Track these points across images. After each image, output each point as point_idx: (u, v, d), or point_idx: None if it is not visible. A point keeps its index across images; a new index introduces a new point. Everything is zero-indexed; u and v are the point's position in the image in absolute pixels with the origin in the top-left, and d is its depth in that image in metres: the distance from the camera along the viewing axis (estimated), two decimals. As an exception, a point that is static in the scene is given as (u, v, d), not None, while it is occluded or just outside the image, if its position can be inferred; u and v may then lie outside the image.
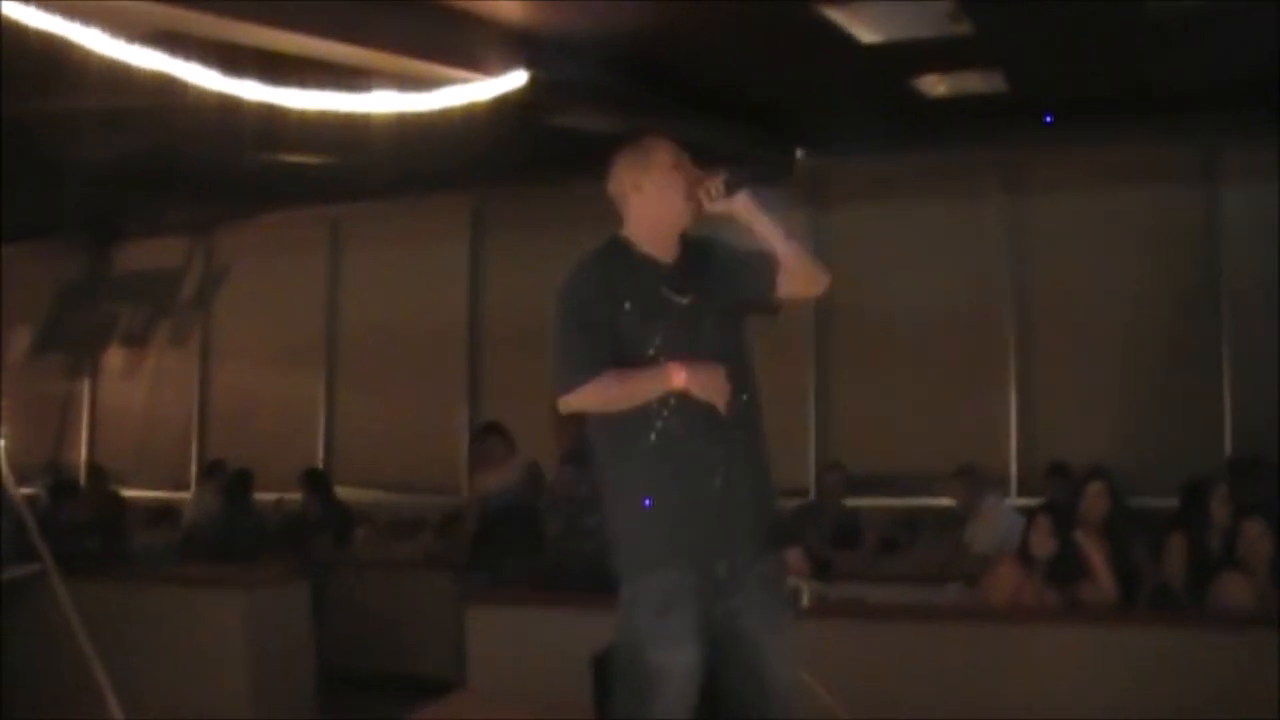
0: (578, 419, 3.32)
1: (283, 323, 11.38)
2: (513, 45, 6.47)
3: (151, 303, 11.95)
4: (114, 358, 12.21)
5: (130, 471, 10.96)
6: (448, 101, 6.41)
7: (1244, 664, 4.79)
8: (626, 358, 3.07)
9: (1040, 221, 9.03)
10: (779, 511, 3.40)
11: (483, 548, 7.62)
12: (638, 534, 3.11)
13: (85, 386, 12.23)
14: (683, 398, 3.04)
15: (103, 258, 12.20)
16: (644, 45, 6.86)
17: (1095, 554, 5.61)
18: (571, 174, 8.87)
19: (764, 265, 3.20)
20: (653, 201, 3.18)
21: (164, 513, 10.14)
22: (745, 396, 3.15)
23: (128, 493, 10.00)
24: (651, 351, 3.07)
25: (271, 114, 6.16)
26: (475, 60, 6.33)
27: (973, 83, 7.61)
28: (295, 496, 9.33)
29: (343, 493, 9.65)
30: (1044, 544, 5.55)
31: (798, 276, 3.22)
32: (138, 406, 11.93)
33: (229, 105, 5.94)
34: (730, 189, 3.13)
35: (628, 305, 3.08)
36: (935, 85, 7.67)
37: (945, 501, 8.05)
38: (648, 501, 3.08)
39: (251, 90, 5.81)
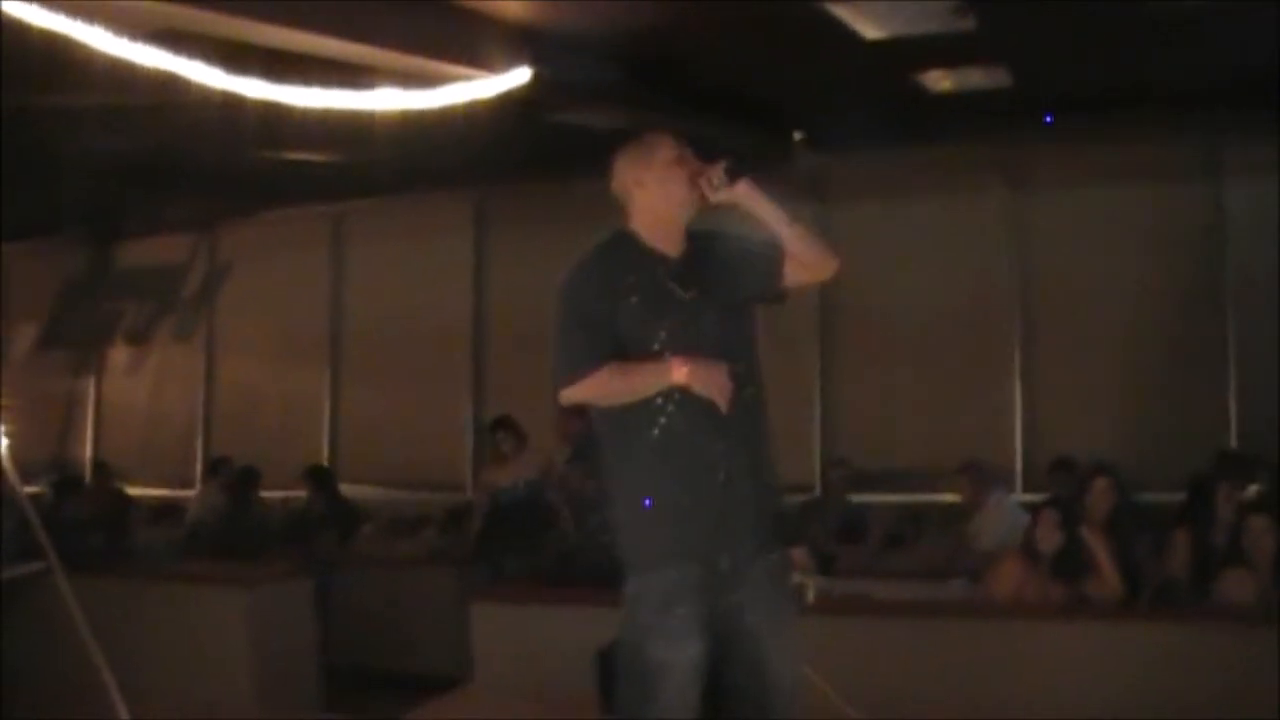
0: (581, 415, 3.32)
1: (287, 319, 11.38)
2: (516, 42, 6.47)
3: (155, 299, 11.94)
4: (118, 354, 12.21)
5: (134, 468, 10.97)
6: (451, 99, 6.41)
7: (1248, 660, 4.78)
8: (632, 352, 3.06)
9: (1044, 218, 9.02)
10: (784, 507, 3.39)
11: (487, 543, 7.64)
12: (641, 529, 3.11)
13: (90, 383, 12.24)
14: (686, 392, 3.03)
15: (107, 254, 12.20)
16: (647, 42, 6.85)
17: (1100, 549, 5.60)
18: (575, 170, 8.90)
19: (770, 255, 3.18)
20: (656, 196, 3.17)
21: (168, 510, 10.16)
22: (751, 390, 3.14)
23: (132, 490, 10.02)
24: (657, 346, 3.06)
25: (275, 111, 6.16)
26: (478, 57, 6.33)
27: (976, 79, 7.60)
28: (300, 495, 9.33)
29: (347, 489, 9.64)
30: (1050, 538, 5.55)
31: (806, 262, 3.19)
32: (142, 403, 11.94)
33: (233, 102, 5.94)
34: (732, 177, 3.13)
35: (633, 299, 3.07)
36: (939, 81, 7.66)
37: (950, 497, 8.05)
38: (650, 498, 3.07)
39: (255, 88, 5.81)
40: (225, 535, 8.73)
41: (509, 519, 7.54)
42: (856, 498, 8.53)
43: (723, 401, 3.02)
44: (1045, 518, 5.60)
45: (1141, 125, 8.19)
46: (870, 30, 6.58)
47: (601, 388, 3.07)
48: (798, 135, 9.03)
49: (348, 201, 10.75)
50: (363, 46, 5.75)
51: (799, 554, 5.52)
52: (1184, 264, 8.65)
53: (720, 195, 3.14)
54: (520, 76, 6.49)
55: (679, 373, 3.01)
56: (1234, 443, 8.24)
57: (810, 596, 5.41)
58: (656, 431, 3.06)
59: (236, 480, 9.36)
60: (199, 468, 11.23)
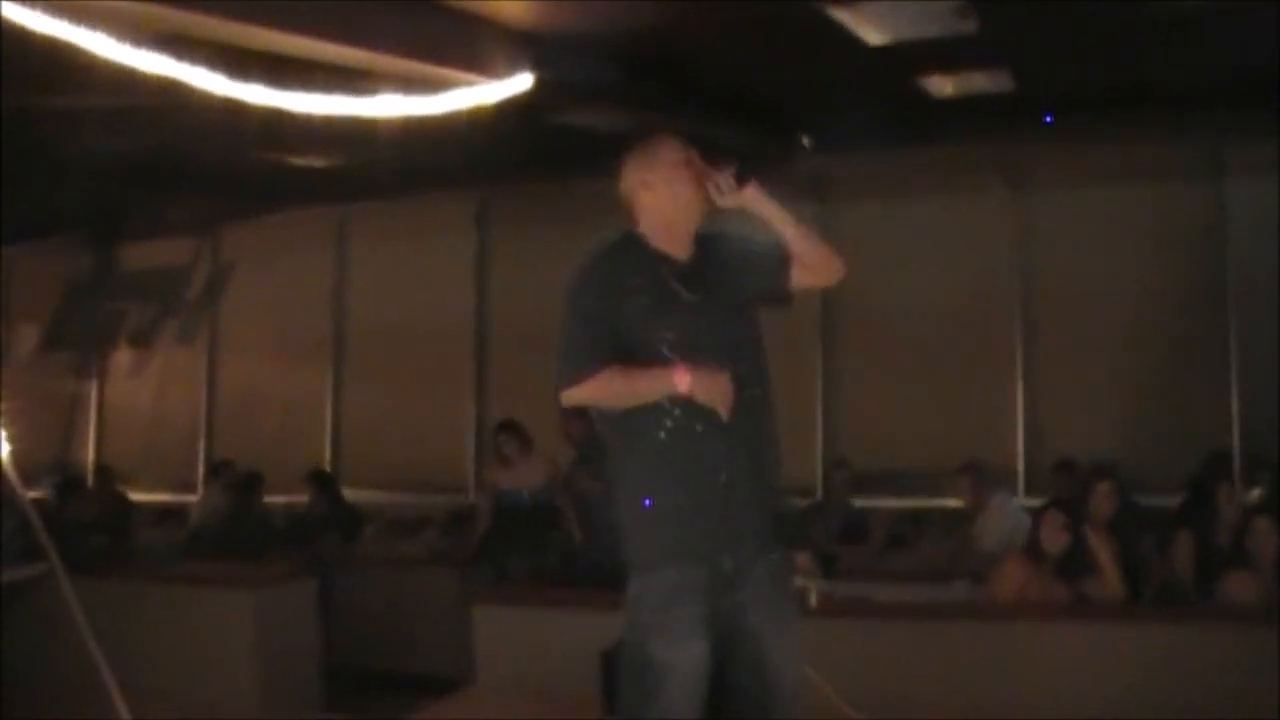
0: (584, 416, 3.33)
1: (289, 321, 11.38)
2: (517, 45, 6.47)
3: (158, 302, 11.94)
4: (121, 357, 12.22)
5: (137, 471, 10.98)
6: (452, 105, 6.42)
7: (1250, 661, 4.78)
8: (638, 353, 3.07)
9: (1045, 218, 9.03)
10: (788, 508, 3.40)
11: (490, 545, 7.64)
12: (644, 530, 3.12)
13: (92, 386, 12.24)
14: (690, 397, 3.04)
15: (109, 256, 12.20)
16: (649, 46, 6.85)
17: (1102, 551, 5.61)
18: (576, 171, 8.92)
19: (777, 258, 3.19)
20: (662, 198, 3.18)
21: (170, 513, 10.16)
22: (755, 391, 3.14)
23: (134, 494, 10.03)
24: (665, 349, 3.07)
25: (277, 114, 6.16)
26: (480, 62, 6.33)
27: (979, 83, 7.60)
28: (302, 499, 9.33)
29: (349, 493, 9.64)
30: (1057, 539, 5.54)
31: (812, 265, 3.20)
32: (144, 406, 11.94)
33: (235, 105, 5.94)
34: (739, 181, 3.13)
35: (638, 300, 3.08)
36: (942, 87, 7.67)
37: (953, 502, 8.03)
38: (653, 499, 3.09)
39: (257, 94, 5.81)
40: (228, 537, 8.73)
41: (512, 524, 7.52)
42: (858, 501, 8.54)
43: (724, 410, 3.03)
44: (1053, 517, 5.59)
45: (1142, 125, 8.20)
46: (873, 35, 6.57)
47: (603, 391, 3.08)
48: (806, 141, 9.04)
49: (350, 203, 10.75)
50: (364, 51, 5.74)
51: (802, 558, 5.52)
52: (1185, 264, 8.66)
53: (727, 199, 3.15)
54: (522, 82, 6.50)
55: (681, 382, 3.01)
56: (1236, 443, 8.25)
57: (813, 600, 5.41)
58: (661, 434, 3.07)
59: (240, 483, 9.35)
60: (201, 471, 11.25)
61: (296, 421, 11.08)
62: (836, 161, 9.32)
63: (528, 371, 8.73)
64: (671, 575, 3.05)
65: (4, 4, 4.60)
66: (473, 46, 6.29)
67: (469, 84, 6.37)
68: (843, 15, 6.29)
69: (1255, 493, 7.24)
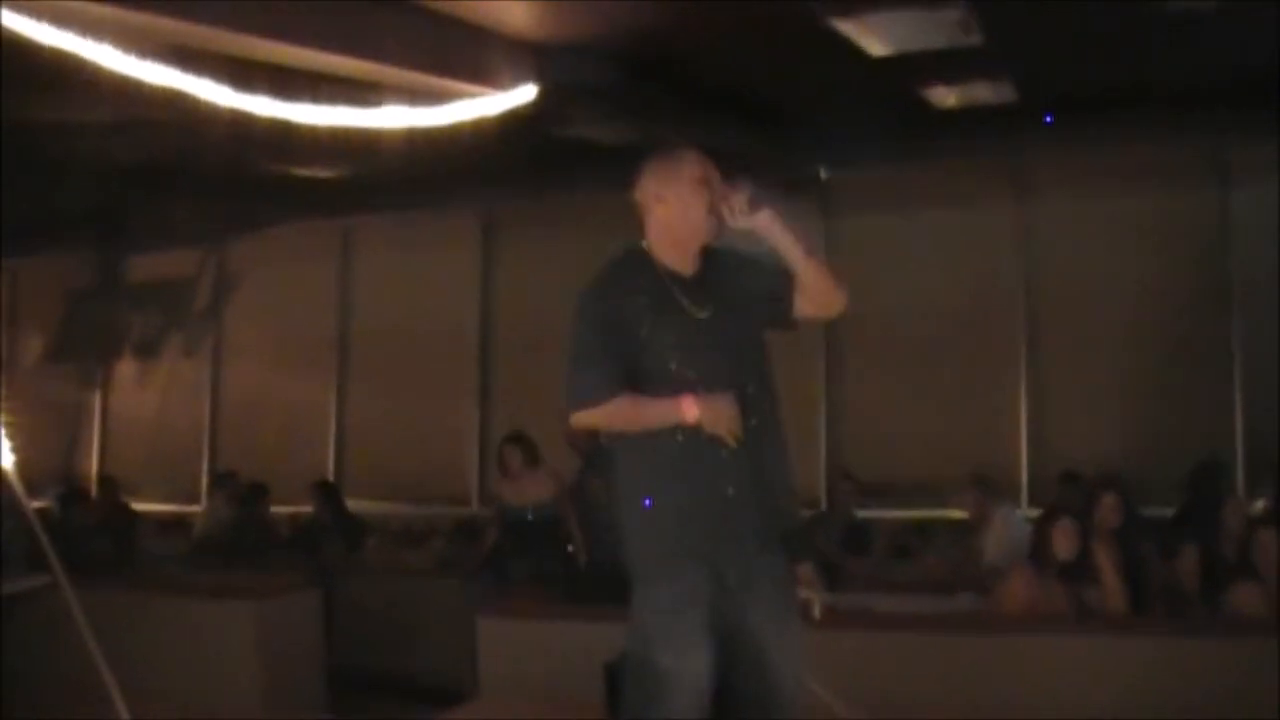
0: (591, 429, 3.33)
1: (294, 332, 11.39)
2: (523, 57, 6.48)
3: (163, 312, 11.95)
4: (125, 367, 12.23)
5: (141, 482, 10.97)
6: (457, 117, 6.43)
7: (1254, 672, 4.77)
8: (646, 370, 3.09)
9: (1049, 225, 9.03)
10: (794, 519, 3.39)
11: (497, 559, 7.62)
12: (648, 540, 3.13)
13: (96, 396, 12.25)
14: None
15: (114, 267, 12.21)
16: (653, 58, 6.87)
17: (1108, 565, 5.59)
18: (581, 182, 8.95)
19: (783, 283, 3.20)
20: (675, 213, 3.18)
21: (174, 524, 10.15)
22: (765, 407, 3.16)
23: (138, 505, 10.03)
24: (673, 365, 3.09)
25: (283, 125, 6.18)
26: (485, 74, 6.35)
27: (983, 93, 7.61)
28: (307, 510, 9.32)
29: (353, 505, 9.63)
30: (1069, 547, 5.51)
31: (815, 296, 3.20)
32: (149, 416, 11.94)
33: (241, 116, 5.95)
34: (753, 205, 3.12)
35: (646, 318, 3.10)
36: (946, 98, 7.68)
37: (957, 514, 8.01)
38: (658, 509, 3.10)
39: (263, 106, 5.83)
40: (232, 547, 8.73)
41: (518, 539, 7.49)
42: (862, 512, 8.52)
43: (731, 439, 3.04)
44: (1065, 526, 5.55)
45: (1144, 128, 8.19)
46: (876, 47, 6.59)
47: (614, 418, 3.13)
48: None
49: (355, 214, 10.76)
50: (369, 63, 5.76)
51: (805, 569, 5.50)
52: (1187, 266, 8.65)
53: (741, 222, 3.14)
54: (526, 94, 6.51)
55: (690, 413, 3.04)
56: (1239, 445, 8.24)
57: (816, 613, 5.40)
58: (668, 448, 3.08)
59: (245, 494, 9.36)
60: (205, 482, 11.25)
61: (300, 432, 11.08)
62: (840, 171, 9.32)
63: (533, 382, 8.76)
64: (677, 584, 3.06)
65: (11, 16, 4.62)
66: (477, 58, 6.30)
67: (474, 95, 6.39)
68: (847, 27, 6.31)
69: (1260, 503, 7.22)
